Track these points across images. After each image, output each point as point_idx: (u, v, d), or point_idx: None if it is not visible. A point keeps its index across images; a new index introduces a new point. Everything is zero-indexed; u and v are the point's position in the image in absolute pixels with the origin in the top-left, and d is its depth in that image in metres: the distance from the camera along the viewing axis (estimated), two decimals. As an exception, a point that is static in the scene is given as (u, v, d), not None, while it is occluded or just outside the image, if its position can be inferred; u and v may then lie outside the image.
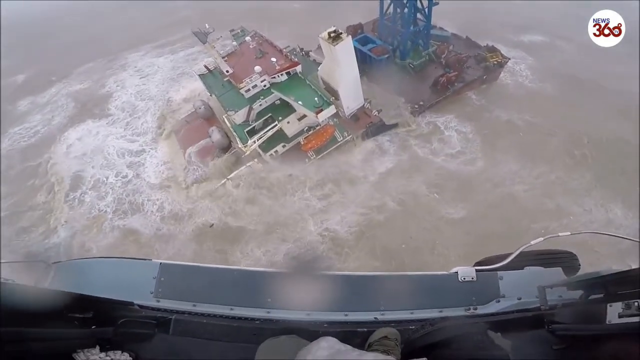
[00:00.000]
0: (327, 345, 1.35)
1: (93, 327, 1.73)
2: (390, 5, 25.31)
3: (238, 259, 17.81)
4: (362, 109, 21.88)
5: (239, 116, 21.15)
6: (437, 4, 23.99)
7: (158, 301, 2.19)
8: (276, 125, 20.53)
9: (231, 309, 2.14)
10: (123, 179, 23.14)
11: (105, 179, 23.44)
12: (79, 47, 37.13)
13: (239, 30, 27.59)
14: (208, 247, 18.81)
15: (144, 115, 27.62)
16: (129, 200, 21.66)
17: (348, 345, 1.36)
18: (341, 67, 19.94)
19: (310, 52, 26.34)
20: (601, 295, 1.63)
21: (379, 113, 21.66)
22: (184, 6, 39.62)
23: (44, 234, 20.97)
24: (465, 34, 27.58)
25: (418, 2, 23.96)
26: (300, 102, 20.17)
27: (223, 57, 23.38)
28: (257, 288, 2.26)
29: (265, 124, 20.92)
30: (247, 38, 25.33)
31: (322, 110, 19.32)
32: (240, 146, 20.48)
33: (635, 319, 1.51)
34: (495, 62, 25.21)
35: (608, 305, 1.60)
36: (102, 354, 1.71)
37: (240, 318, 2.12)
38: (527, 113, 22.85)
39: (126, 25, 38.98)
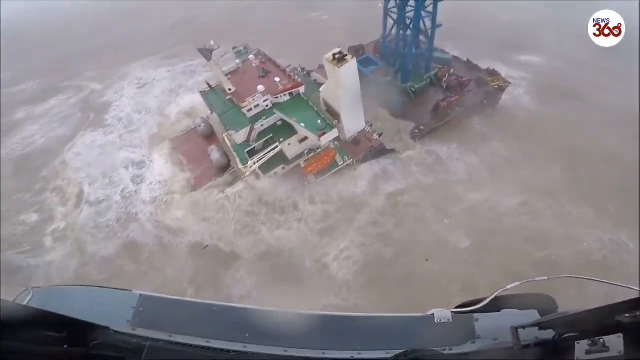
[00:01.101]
0: None
1: (65, 346, 1.72)
2: (393, 27, 25.94)
3: (228, 286, 17.71)
4: (363, 132, 22.09)
5: (240, 136, 21.26)
6: (441, 26, 24.58)
7: (134, 329, 2.20)
8: (277, 146, 20.65)
9: (207, 342, 2.16)
10: (121, 193, 23.20)
11: (103, 194, 23.48)
12: (81, 57, 37.54)
13: (242, 48, 27.90)
14: (205, 265, 18.78)
15: (138, 130, 27.74)
16: (126, 213, 21.87)
17: None
18: (344, 89, 20.11)
19: (311, 72, 26.72)
20: (571, 334, 1.72)
21: (380, 137, 21.91)
22: (188, 20, 40.27)
23: (37, 251, 20.85)
24: (465, 56, 28.25)
25: (421, 24, 24.56)
26: (302, 124, 20.35)
27: (226, 75, 23.67)
28: (235, 323, 2.29)
29: (266, 144, 21.01)
30: (251, 56, 25.61)
31: (325, 133, 19.47)
32: (240, 167, 20.56)
33: (602, 355, 1.59)
34: (497, 87, 25.71)
35: (576, 343, 1.67)
36: None
37: (215, 349, 2.14)
38: (529, 140, 23.12)
39: (129, 38, 39.47)
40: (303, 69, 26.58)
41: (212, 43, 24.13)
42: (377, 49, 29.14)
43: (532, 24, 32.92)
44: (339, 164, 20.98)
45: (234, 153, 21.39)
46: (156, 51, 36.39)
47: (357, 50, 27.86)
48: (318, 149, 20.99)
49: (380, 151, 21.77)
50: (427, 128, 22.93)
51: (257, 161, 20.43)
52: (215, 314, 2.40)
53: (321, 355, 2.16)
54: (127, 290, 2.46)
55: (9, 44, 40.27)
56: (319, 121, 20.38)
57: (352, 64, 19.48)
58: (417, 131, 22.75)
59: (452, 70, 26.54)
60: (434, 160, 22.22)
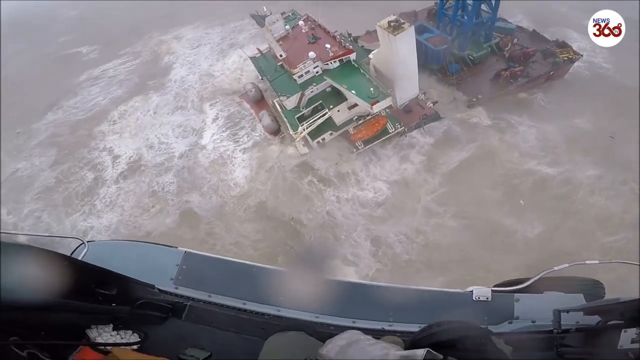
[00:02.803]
0: (348, 335, 1.50)
1: (113, 304, 1.93)
2: (452, -5, 25.53)
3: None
4: (416, 100, 22.48)
5: (291, 102, 22.53)
6: None
7: (176, 288, 2.41)
8: (327, 113, 21.72)
9: (244, 303, 2.34)
10: (178, 156, 24.72)
11: (160, 158, 24.95)
12: (136, 24, 40.50)
13: (290, 13, 28.91)
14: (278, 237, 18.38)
15: (193, 92, 29.76)
16: (185, 178, 23.14)
17: (369, 336, 1.49)
18: (399, 57, 20.42)
19: (357, 38, 27.20)
20: (617, 321, 1.72)
21: (434, 105, 22.29)
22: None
23: (92, 212, 22.36)
24: (531, 26, 27.24)
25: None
26: (353, 92, 20.95)
27: (277, 41, 24.93)
28: (271, 285, 2.41)
29: (315, 110, 22.15)
30: (300, 22, 26.50)
31: (377, 101, 19.99)
32: (291, 132, 22.03)
33: None
34: (566, 58, 24.75)
35: (623, 330, 1.65)
36: (114, 332, 1.88)
37: (250, 312, 2.32)
38: (606, 110, 21.77)
39: (179, 6, 41.71)
40: (349, 35, 27.07)
41: (264, 9, 25.50)
42: (431, 16, 28.93)
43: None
44: (390, 131, 21.74)
45: (285, 119, 22.86)
46: (206, 14, 38.40)
47: (409, 17, 27.74)
48: (368, 115, 21.82)
49: (434, 119, 22.16)
50: (485, 97, 22.89)
51: (307, 127, 21.73)
52: (253, 275, 2.52)
53: (351, 324, 2.23)
54: (173, 247, 2.68)
55: (67, 12, 44.27)
56: (371, 89, 20.87)
57: (409, 32, 19.65)
58: (474, 100, 22.84)
59: (515, 40, 25.91)
60: (505, 124, 21.81)
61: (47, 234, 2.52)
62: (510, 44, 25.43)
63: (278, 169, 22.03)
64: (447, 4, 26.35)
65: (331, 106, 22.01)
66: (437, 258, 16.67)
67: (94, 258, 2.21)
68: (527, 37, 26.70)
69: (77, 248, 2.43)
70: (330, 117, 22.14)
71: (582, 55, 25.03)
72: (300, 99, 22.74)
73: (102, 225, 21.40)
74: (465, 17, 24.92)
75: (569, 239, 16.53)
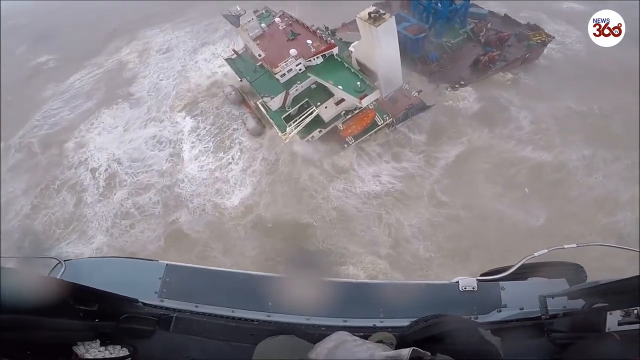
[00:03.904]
0: (336, 337, 1.53)
1: (96, 320, 1.90)
2: (425, -17, 25.86)
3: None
4: (400, 90, 22.61)
5: (275, 102, 22.02)
6: None
7: (162, 301, 2.38)
8: (314, 110, 21.41)
9: (232, 311, 2.32)
10: (158, 172, 23.57)
11: (138, 175, 23.74)
12: (102, 32, 38.23)
13: (264, 11, 28.30)
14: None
15: (168, 100, 28.48)
16: (169, 195, 21.95)
17: (356, 337, 1.51)
18: (382, 48, 20.40)
19: (335, 32, 27.00)
20: (602, 304, 1.75)
21: (418, 94, 22.57)
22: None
23: (77, 236, 21.23)
24: (505, 10, 28.10)
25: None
26: (340, 87, 20.75)
27: (254, 40, 24.31)
28: (259, 291, 2.42)
29: (301, 109, 21.81)
30: (276, 19, 25.97)
31: (366, 95, 19.90)
32: (279, 134, 21.57)
33: (634, 327, 1.63)
34: (539, 41, 25.79)
35: (608, 313, 1.68)
36: (102, 348, 1.86)
37: (239, 319, 2.29)
38: (583, 89, 22.43)
39: (145, 10, 39.62)
40: (327, 28, 26.82)
41: (238, 8, 24.64)
42: (405, 4, 29.25)
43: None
44: (379, 123, 21.81)
45: (271, 120, 22.34)
46: (174, 16, 36.85)
47: (383, 7, 27.78)
48: (355, 109, 21.79)
49: (421, 108, 22.46)
50: (466, 82, 23.53)
51: (295, 128, 21.29)
52: (240, 283, 2.53)
53: (342, 323, 2.25)
54: (154, 260, 2.65)
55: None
56: (357, 83, 20.71)
57: (390, 22, 19.53)
58: (456, 86, 23.44)
59: (489, 25, 26.70)
60: (496, 108, 22.12)
61: (23, 256, 2.41)
62: (484, 29, 26.19)
63: (280, 164, 21.52)
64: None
65: (318, 103, 21.71)
66: (459, 248, 16.88)
67: (73, 276, 2.19)
68: (499, 22, 27.58)
69: (54, 268, 2.37)
70: (318, 114, 21.91)
71: (554, 37, 26.20)
72: (285, 98, 22.29)
73: (93, 250, 20.30)
74: (439, 4, 25.33)
75: (572, 224, 17.04)
